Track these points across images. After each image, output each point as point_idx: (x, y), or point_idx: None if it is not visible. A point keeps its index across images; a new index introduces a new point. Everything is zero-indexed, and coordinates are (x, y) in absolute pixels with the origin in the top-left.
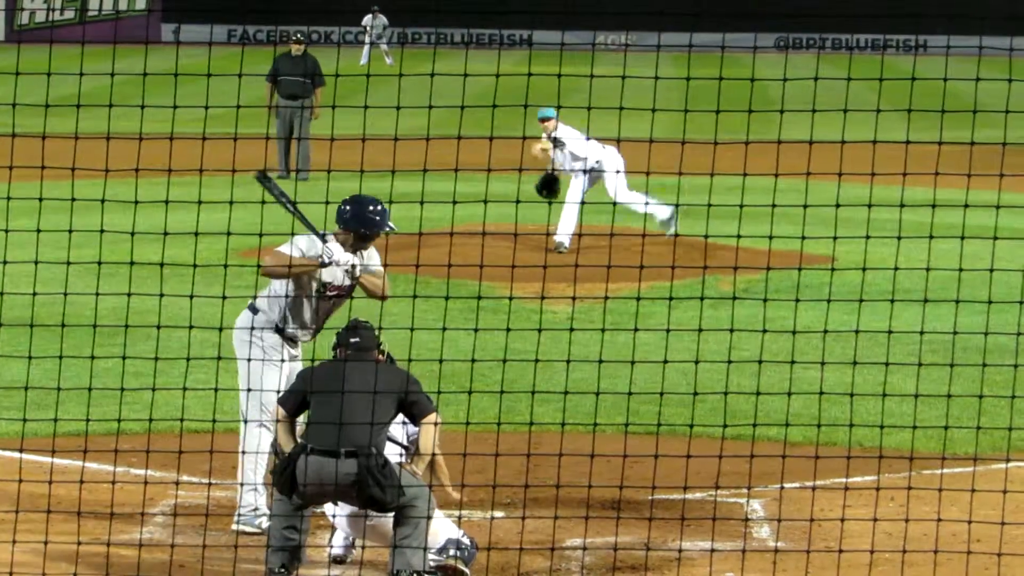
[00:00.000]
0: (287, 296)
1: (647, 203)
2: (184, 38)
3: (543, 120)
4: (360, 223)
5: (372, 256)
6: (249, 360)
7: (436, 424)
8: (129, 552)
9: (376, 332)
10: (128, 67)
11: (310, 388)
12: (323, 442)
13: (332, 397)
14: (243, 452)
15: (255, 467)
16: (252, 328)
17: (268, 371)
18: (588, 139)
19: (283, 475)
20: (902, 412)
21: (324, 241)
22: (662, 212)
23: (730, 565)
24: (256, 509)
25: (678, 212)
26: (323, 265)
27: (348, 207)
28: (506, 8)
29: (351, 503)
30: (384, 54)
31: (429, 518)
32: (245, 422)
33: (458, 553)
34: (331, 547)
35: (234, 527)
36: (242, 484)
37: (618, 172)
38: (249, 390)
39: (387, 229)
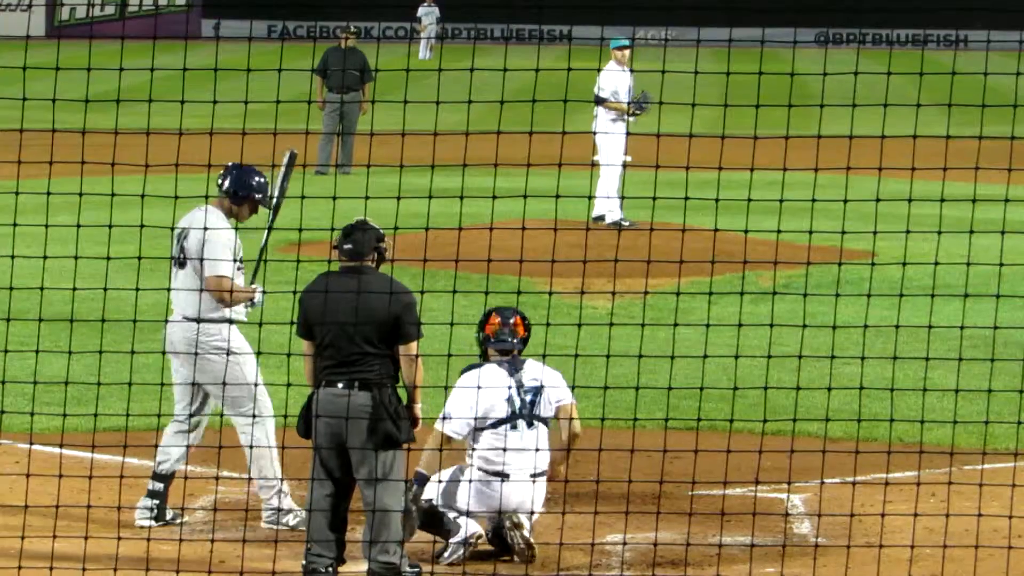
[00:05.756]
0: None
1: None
2: (224, 34)
3: (622, 48)
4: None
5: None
6: (228, 355)
7: (416, 357)
8: (169, 547)
9: (373, 231)
10: (168, 63)
11: (310, 316)
12: (334, 375)
13: (331, 322)
14: (266, 448)
15: (271, 463)
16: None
17: (250, 362)
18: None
19: (301, 417)
20: (943, 407)
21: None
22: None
23: (770, 561)
24: (279, 510)
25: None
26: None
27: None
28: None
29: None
30: (429, 48)
31: (408, 512)
32: (254, 418)
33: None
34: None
35: (264, 525)
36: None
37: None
38: (245, 384)
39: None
